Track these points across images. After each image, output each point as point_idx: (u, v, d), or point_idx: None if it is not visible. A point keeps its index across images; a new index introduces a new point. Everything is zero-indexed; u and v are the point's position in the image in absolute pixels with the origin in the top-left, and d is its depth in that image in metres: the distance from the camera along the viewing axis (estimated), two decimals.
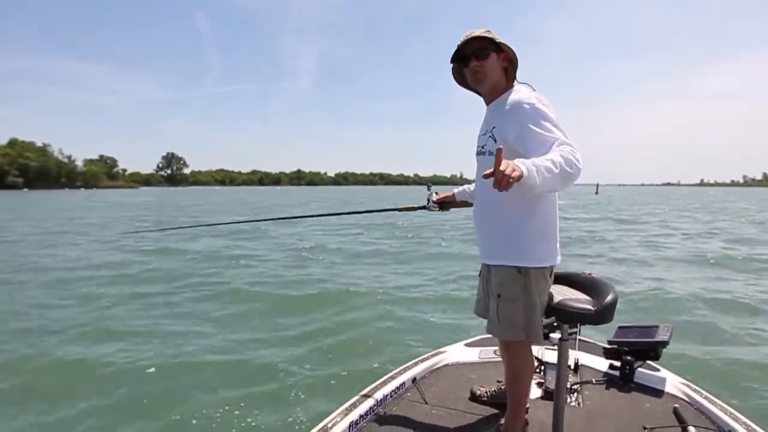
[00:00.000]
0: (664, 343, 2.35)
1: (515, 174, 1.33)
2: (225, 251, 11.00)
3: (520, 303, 1.80)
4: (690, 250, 11.09)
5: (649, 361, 2.48)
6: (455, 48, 1.85)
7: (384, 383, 2.32)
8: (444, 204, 2.48)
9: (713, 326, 5.17)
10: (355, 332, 5.01)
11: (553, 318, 1.92)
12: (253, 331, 5.10)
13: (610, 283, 1.95)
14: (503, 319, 1.83)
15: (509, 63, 1.85)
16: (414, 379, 2.45)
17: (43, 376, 3.98)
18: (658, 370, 2.50)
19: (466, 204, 2.44)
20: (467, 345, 2.96)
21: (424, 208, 2.51)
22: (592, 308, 1.82)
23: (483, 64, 1.80)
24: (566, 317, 1.86)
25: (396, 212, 2.76)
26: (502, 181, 1.32)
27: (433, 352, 2.79)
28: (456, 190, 2.46)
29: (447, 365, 2.69)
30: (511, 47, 1.82)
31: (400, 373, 2.44)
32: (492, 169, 1.32)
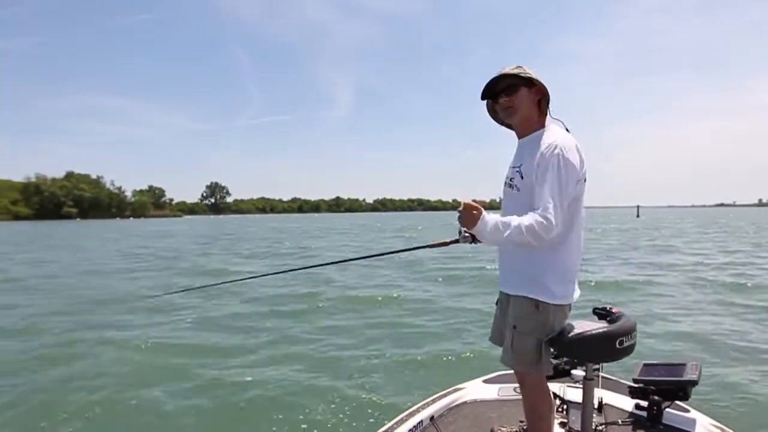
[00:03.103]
0: (693, 383, 2.21)
1: (470, 218, 1.71)
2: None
3: (534, 337, 1.84)
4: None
5: (677, 401, 2.32)
6: (485, 85, 1.94)
7: (401, 422, 2.27)
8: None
9: (745, 364, 4.87)
10: (367, 365, 4.94)
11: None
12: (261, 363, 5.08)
13: (631, 317, 1.95)
14: (517, 351, 1.87)
15: (542, 96, 1.90)
16: (432, 418, 2.39)
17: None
18: (688, 410, 2.36)
19: None
20: (486, 381, 2.85)
21: (456, 242, 2.36)
22: None
23: (512, 99, 1.89)
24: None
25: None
26: (463, 213, 1.72)
27: (451, 389, 2.72)
28: None
29: (466, 403, 2.61)
30: (542, 82, 1.88)
31: (417, 411, 2.39)
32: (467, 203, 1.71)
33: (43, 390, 4.39)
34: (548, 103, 1.92)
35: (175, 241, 28.35)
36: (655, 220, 55.13)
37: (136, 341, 5.92)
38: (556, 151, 1.74)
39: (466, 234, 2.28)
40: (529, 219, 1.68)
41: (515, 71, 1.88)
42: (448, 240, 2.40)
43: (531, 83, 1.88)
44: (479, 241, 2.35)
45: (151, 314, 7.54)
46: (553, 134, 1.84)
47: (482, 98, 2.01)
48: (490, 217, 1.72)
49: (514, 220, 1.69)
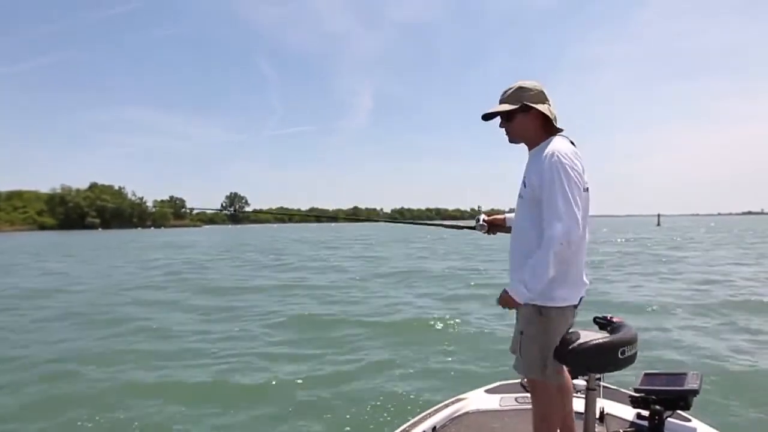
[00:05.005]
0: (695, 392, 2.20)
1: (509, 302, 1.89)
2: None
3: (538, 343, 1.89)
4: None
5: (679, 411, 2.32)
6: (481, 116, 2.05)
7: None
8: (492, 227, 2.52)
9: (746, 373, 4.86)
10: (368, 377, 4.94)
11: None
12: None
13: (631, 327, 1.98)
14: (525, 357, 1.94)
15: (543, 119, 1.96)
16: (434, 429, 2.40)
17: None
18: (689, 420, 2.37)
19: None
20: (487, 392, 2.87)
21: (473, 228, 2.56)
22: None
23: (508, 125, 2.01)
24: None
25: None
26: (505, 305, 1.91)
27: (453, 399, 2.74)
28: (508, 215, 2.49)
29: (468, 413, 2.61)
30: (545, 104, 1.95)
31: (419, 422, 2.40)
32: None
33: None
34: (554, 120, 1.97)
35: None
36: (673, 229, 53.98)
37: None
38: (554, 158, 1.82)
39: (483, 223, 2.47)
40: (544, 243, 1.79)
41: (502, 106, 1.98)
42: (464, 225, 2.66)
43: (528, 108, 1.94)
44: (494, 233, 2.52)
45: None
46: (553, 145, 1.90)
47: (483, 119, 2.08)
48: (514, 284, 1.86)
49: (530, 259, 1.82)
